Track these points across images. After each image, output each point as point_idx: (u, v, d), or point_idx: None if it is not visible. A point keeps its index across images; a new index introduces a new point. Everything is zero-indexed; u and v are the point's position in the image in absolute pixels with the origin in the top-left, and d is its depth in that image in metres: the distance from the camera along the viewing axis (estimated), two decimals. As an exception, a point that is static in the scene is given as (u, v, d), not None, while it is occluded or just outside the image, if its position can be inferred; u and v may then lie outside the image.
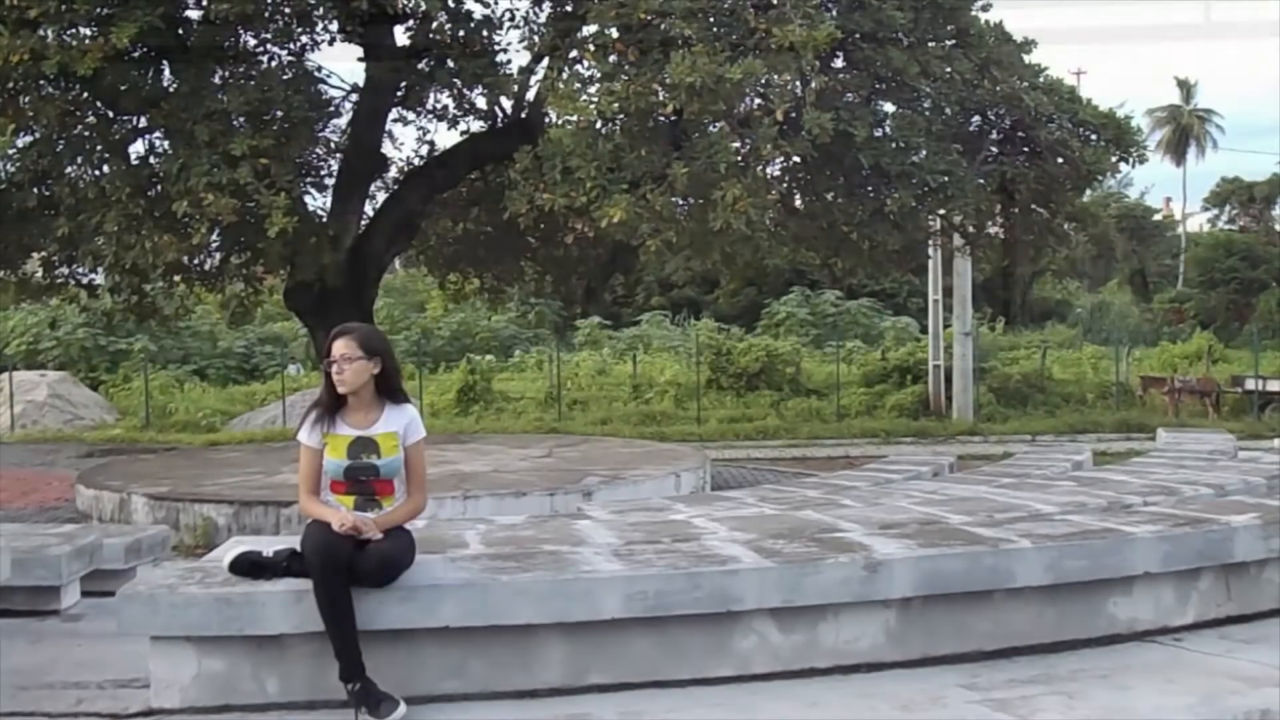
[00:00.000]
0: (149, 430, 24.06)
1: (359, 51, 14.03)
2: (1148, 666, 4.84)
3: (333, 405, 4.66)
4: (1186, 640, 5.18)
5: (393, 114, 15.41)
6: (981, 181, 12.84)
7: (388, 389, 4.72)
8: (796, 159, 12.40)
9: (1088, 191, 15.79)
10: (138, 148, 13.70)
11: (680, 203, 11.98)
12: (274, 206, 11.58)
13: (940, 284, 25.30)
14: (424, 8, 13.18)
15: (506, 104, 14.78)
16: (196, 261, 14.64)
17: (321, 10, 12.83)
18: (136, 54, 12.28)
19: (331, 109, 14.99)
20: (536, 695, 4.58)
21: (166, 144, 13.03)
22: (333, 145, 15.54)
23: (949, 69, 12.65)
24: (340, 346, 4.62)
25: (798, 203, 13.82)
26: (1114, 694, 4.50)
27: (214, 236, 13.17)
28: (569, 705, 4.50)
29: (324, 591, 4.30)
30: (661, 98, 11.14)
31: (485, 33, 14.02)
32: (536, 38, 13.83)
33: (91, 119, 13.20)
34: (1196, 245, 51.34)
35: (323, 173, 15.43)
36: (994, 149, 13.26)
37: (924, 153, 12.32)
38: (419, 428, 4.74)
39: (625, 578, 4.66)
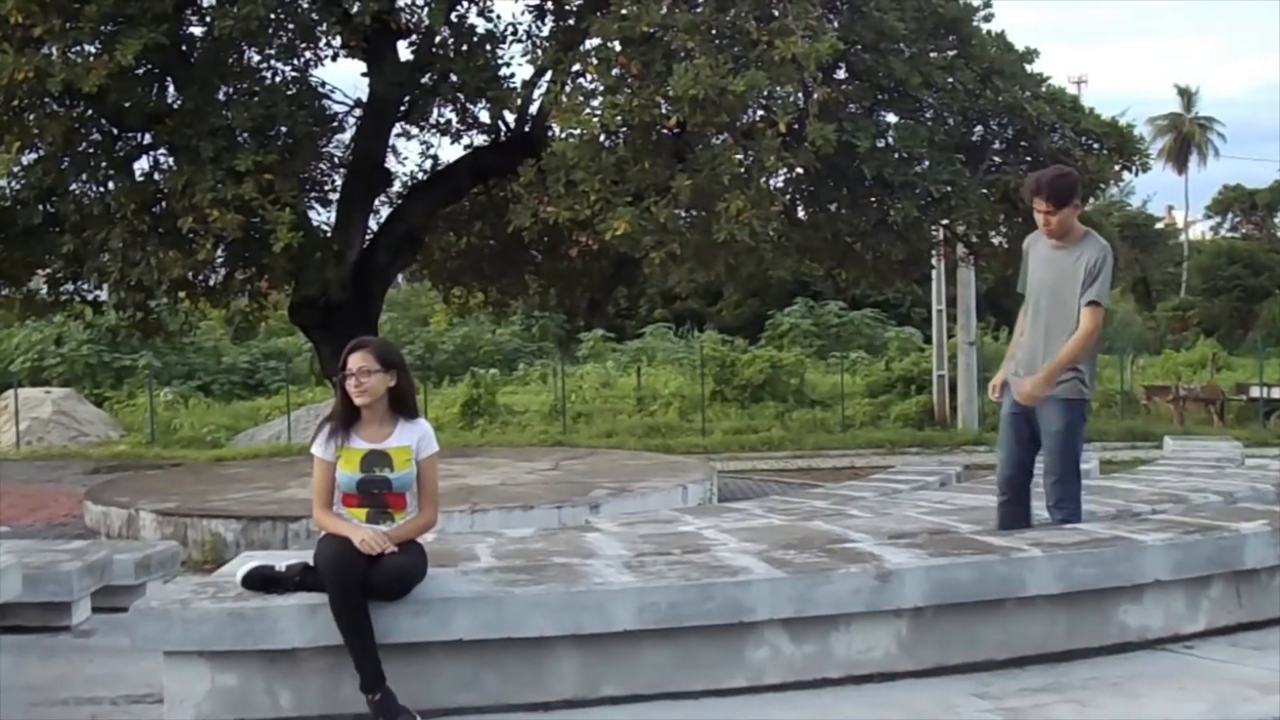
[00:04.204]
0: (154, 446, 24.08)
1: (362, 67, 14.09)
2: (1159, 674, 4.83)
3: (347, 419, 4.67)
4: (1198, 648, 5.17)
5: (396, 128, 15.46)
6: (985, 191, 12.84)
7: (401, 403, 4.73)
8: (800, 170, 12.41)
9: (1090, 200, 15.77)
10: (142, 164, 13.79)
11: (684, 215, 11.99)
12: (279, 222, 11.63)
13: (944, 294, 25.32)
14: (427, 22, 13.25)
15: (510, 118, 14.83)
16: (201, 277, 14.65)
17: (325, 26, 12.88)
18: (141, 71, 12.36)
19: (335, 124, 15.07)
20: (550, 708, 4.57)
21: (171, 160, 13.09)
22: (336, 160, 15.62)
23: (951, 79, 12.68)
24: (358, 359, 4.63)
25: (801, 214, 13.81)
26: (1126, 702, 4.50)
27: (219, 252, 13.20)
28: (583, 717, 4.50)
29: (341, 605, 4.31)
30: (665, 110, 11.18)
31: (488, 47, 14.11)
32: (539, 51, 13.89)
33: (96, 136, 13.25)
34: (1199, 253, 51.44)
35: (326, 188, 15.53)
36: (997, 158, 13.27)
37: (927, 163, 12.33)
38: (432, 442, 4.75)
39: (637, 589, 4.66)
